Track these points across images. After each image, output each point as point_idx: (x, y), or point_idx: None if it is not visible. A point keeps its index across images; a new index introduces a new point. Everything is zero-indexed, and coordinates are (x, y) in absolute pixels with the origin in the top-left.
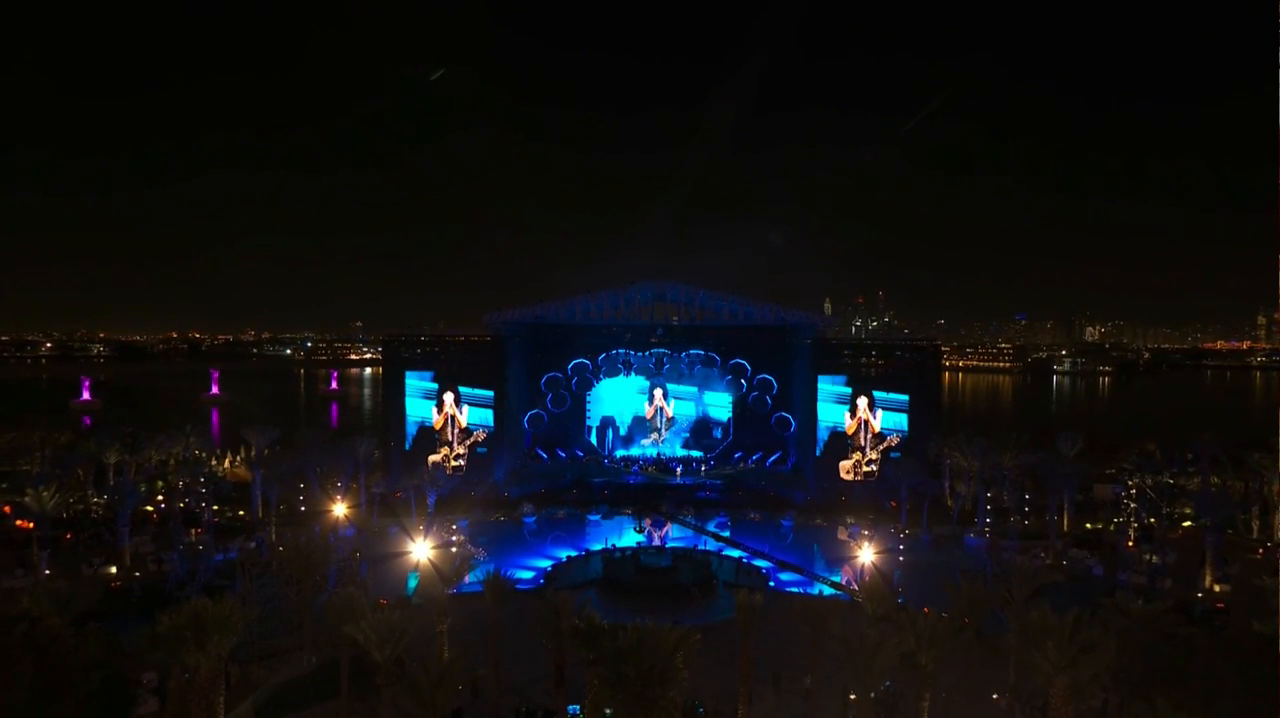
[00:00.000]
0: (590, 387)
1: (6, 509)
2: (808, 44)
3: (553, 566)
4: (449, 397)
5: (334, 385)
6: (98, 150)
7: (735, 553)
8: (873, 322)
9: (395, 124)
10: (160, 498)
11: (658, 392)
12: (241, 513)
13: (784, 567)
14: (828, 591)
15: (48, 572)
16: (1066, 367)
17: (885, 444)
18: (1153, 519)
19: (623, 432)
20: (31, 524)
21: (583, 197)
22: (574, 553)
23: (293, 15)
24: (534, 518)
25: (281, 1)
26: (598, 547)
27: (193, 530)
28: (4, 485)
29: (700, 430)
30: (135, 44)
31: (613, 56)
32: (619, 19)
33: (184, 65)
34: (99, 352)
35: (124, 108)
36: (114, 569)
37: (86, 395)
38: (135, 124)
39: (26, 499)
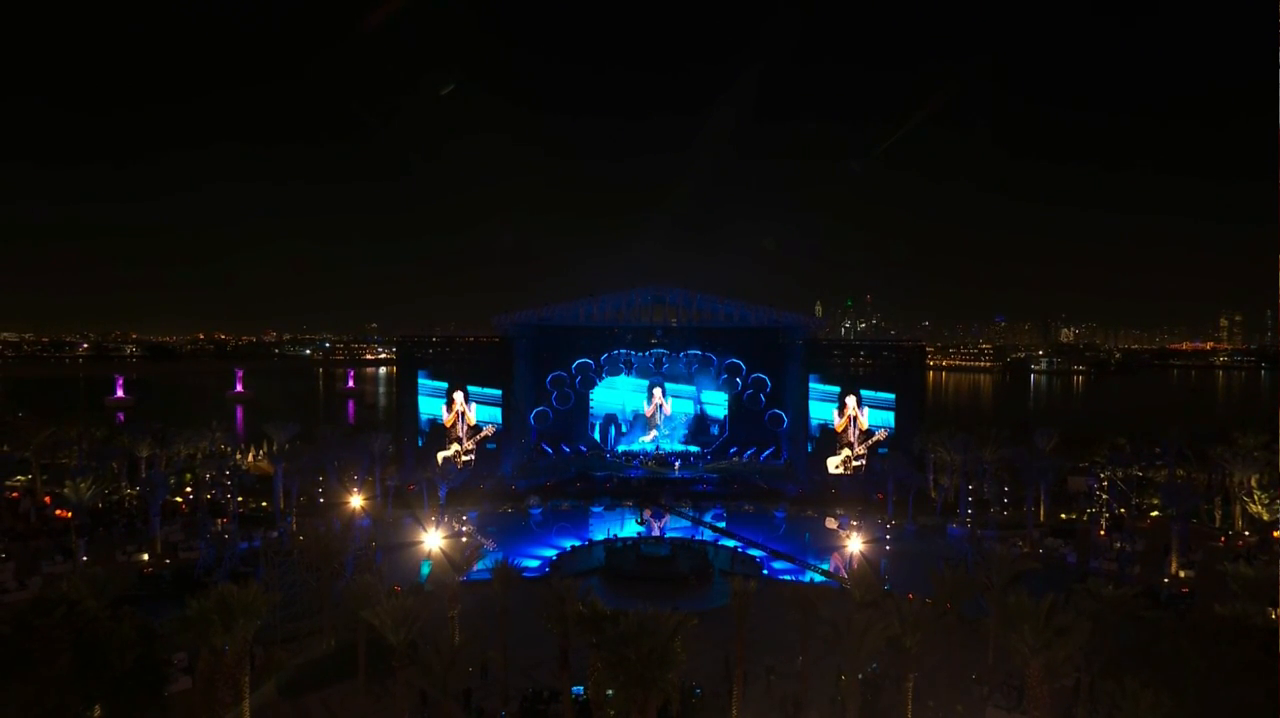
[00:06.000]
0: (593, 385)
1: (47, 500)
2: (800, 58)
3: (558, 555)
4: (459, 395)
5: (350, 384)
6: (130, 160)
7: (731, 543)
8: (861, 323)
9: (407, 136)
10: (189, 490)
11: (657, 390)
12: (264, 504)
13: (777, 556)
14: (818, 578)
15: (85, 558)
16: (1043, 366)
17: (873, 440)
18: (1123, 510)
19: (624, 428)
20: (70, 514)
21: (586, 203)
22: (578, 543)
23: (310, 32)
24: (540, 510)
25: (299, 19)
26: (600, 537)
27: (219, 520)
28: (44, 478)
29: (698, 427)
30: (164, 60)
31: (613, 70)
32: (622, 34)
33: (211, 80)
34: (132, 352)
35: (152, 120)
36: (146, 556)
37: (120, 393)
38: (165, 135)
39: (65, 490)
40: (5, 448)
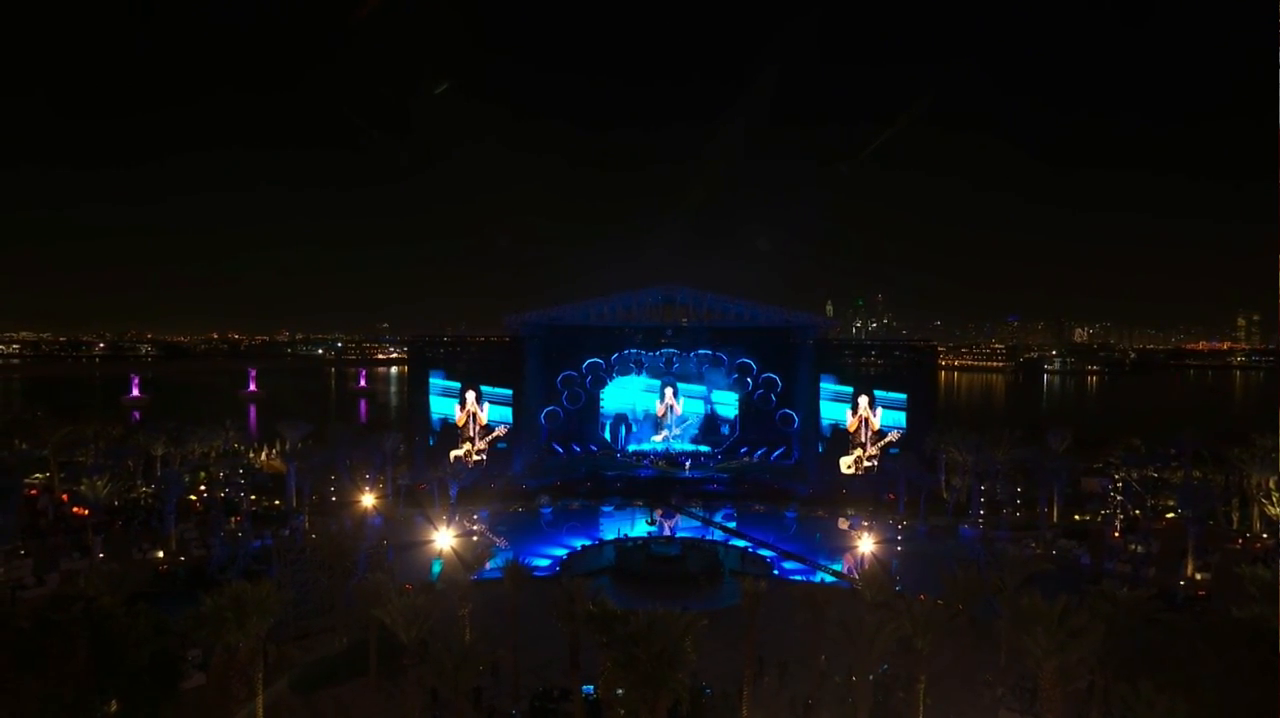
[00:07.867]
0: (603, 385)
1: (64, 497)
2: (808, 61)
3: (568, 554)
4: (471, 395)
5: (363, 383)
6: (145, 163)
7: (741, 543)
8: (872, 323)
9: (422, 143)
10: (203, 488)
11: (668, 390)
12: (277, 502)
13: (787, 556)
14: (829, 578)
15: (101, 555)
16: (1056, 366)
17: (885, 441)
18: (1137, 511)
19: (634, 428)
20: (87, 511)
21: (595, 207)
22: (588, 542)
23: (325, 38)
24: (550, 509)
25: (314, 27)
26: (610, 536)
27: (232, 518)
28: (62, 475)
29: (708, 427)
30: (180, 66)
31: (622, 81)
32: (631, 45)
33: (224, 86)
34: (147, 351)
35: (167, 124)
36: (161, 554)
37: (136, 392)
38: (180, 140)
39: (82, 488)
40: (24, 446)
